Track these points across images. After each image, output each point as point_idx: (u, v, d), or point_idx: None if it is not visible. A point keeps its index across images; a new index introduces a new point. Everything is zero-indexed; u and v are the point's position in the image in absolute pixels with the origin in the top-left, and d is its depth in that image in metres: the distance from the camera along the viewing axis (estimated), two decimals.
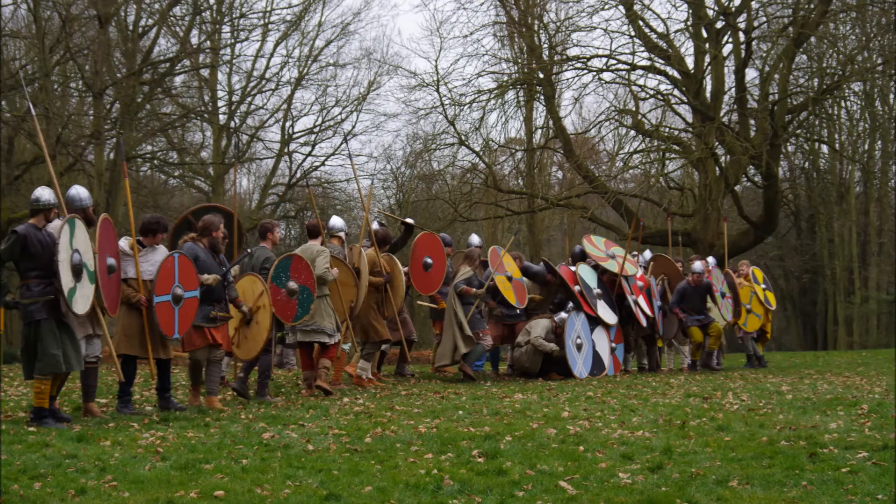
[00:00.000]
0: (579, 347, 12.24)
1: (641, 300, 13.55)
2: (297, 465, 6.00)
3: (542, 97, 23.41)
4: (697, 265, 13.98)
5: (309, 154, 29.32)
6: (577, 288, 12.84)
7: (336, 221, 11.35)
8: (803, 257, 32.74)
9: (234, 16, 25.17)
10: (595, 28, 22.24)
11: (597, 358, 12.69)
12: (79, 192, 8.34)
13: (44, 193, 7.86)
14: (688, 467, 5.90)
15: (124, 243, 8.50)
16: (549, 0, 22.99)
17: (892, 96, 29.21)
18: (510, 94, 23.10)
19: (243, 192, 35.80)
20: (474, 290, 12.00)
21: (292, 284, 9.72)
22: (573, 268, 13.26)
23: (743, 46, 21.52)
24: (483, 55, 26.06)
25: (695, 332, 13.96)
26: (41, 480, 5.55)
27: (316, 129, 28.91)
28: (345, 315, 10.62)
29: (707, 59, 21.76)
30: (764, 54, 23.51)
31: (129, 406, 8.62)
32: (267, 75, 27.18)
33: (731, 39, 22.02)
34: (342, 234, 11.14)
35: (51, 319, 7.62)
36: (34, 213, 7.82)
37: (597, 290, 13.13)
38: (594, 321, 12.82)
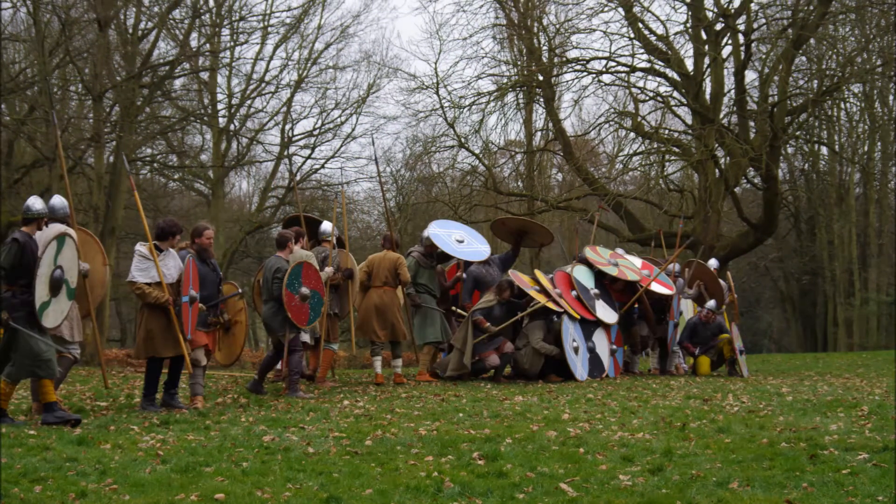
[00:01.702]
0: (576, 350, 12.22)
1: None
2: (298, 468, 6.00)
3: (541, 99, 23.43)
4: (711, 303, 13.97)
5: (309, 157, 29.35)
6: (573, 293, 12.84)
7: (326, 226, 11.76)
8: (803, 259, 32.76)
9: (233, 19, 25.18)
10: (594, 30, 22.32)
11: (596, 360, 12.67)
12: (62, 201, 8.61)
13: (36, 203, 8.02)
14: (688, 469, 5.89)
15: (143, 248, 8.73)
16: (549, 2, 23.06)
17: (891, 98, 29.25)
18: (510, 97, 23.15)
19: (243, 195, 35.87)
20: (488, 324, 12.00)
21: (304, 290, 10.09)
22: (568, 269, 13.26)
23: (742, 48, 21.53)
24: (482, 57, 26.09)
25: (703, 363, 13.95)
26: (41, 483, 5.54)
27: (315, 132, 28.93)
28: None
29: (706, 60, 21.77)
30: (763, 56, 23.54)
31: (153, 404, 8.94)
32: (266, 78, 27.20)
33: (730, 41, 22.04)
34: (332, 239, 11.51)
35: (32, 328, 7.66)
36: (27, 221, 7.96)
37: (594, 291, 13.09)
38: (593, 323, 12.80)
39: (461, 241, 12.85)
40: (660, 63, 21.97)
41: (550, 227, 27.95)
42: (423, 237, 12.72)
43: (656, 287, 13.64)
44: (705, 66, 21.90)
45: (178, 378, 9.12)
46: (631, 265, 13.77)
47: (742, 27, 21.42)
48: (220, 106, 26.81)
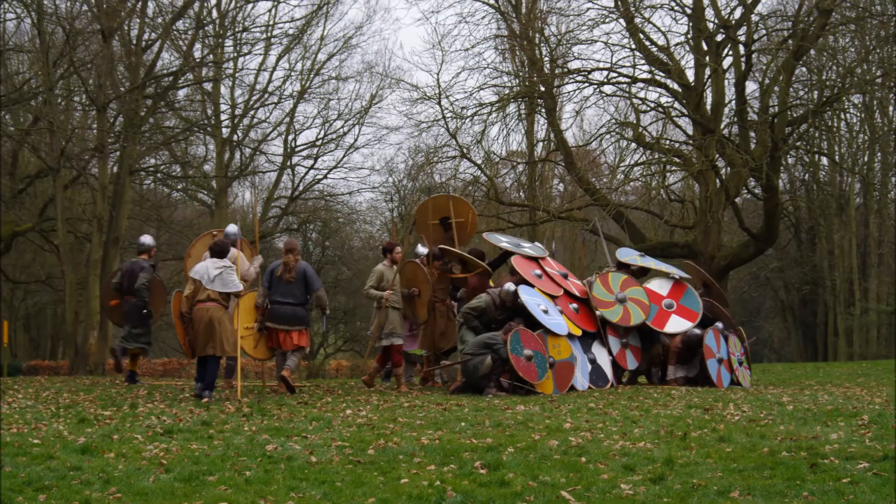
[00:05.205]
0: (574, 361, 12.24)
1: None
2: (301, 477, 6.02)
3: (543, 110, 23.50)
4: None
5: (311, 167, 29.43)
6: (572, 306, 12.87)
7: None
8: (803, 269, 32.78)
9: (236, 30, 25.30)
10: (596, 41, 22.39)
11: (599, 371, 12.68)
12: (235, 228, 11.28)
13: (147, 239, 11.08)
14: (689, 478, 5.91)
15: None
16: (550, 13, 23.14)
17: (891, 108, 29.31)
18: (511, 107, 23.23)
19: (246, 205, 35.93)
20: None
21: (527, 352, 11.34)
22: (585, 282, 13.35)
23: (743, 59, 21.60)
24: (484, 68, 26.26)
25: None
26: (46, 492, 5.57)
27: (318, 143, 29.03)
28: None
29: (707, 71, 21.85)
30: (764, 67, 23.61)
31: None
32: (269, 89, 27.32)
33: (731, 52, 22.11)
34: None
35: None
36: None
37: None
38: (591, 336, 12.80)
39: (546, 311, 12.17)
40: (661, 74, 22.04)
41: (552, 237, 28.01)
42: (507, 290, 12.08)
43: (673, 326, 13.09)
44: (706, 76, 21.98)
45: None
46: (641, 298, 13.21)
47: (743, 38, 21.49)
48: (223, 116, 26.95)
